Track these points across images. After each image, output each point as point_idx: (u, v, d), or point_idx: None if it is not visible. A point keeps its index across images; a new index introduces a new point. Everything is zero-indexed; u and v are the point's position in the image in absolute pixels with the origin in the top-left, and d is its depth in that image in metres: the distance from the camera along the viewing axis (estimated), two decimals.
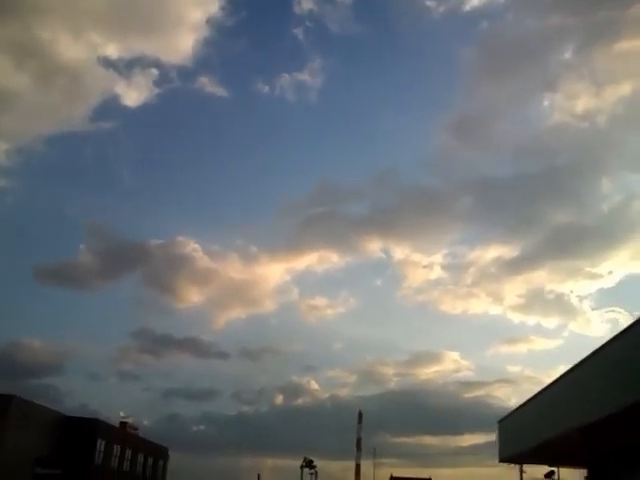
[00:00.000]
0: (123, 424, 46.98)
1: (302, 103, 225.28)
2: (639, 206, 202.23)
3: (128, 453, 44.06)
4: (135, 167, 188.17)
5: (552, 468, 22.38)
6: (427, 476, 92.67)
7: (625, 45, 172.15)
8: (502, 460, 22.04)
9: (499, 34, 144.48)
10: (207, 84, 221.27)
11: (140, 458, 46.98)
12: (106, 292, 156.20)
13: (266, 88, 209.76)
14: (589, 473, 21.52)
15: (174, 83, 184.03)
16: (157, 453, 51.63)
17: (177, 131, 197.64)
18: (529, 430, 19.93)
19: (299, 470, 39.43)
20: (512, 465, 23.85)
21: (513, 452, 21.68)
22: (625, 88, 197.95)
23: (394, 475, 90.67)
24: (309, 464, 30.76)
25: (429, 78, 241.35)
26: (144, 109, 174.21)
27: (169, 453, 54.86)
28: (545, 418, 18.55)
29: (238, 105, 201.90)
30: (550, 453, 20.50)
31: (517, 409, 20.58)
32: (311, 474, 32.38)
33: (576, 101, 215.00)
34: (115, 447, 41.61)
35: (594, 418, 13.71)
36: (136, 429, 49.41)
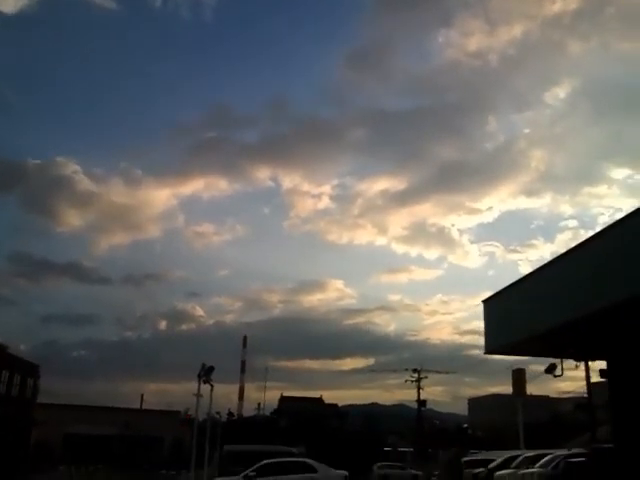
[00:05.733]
0: None
1: (197, 21, 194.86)
2: (521, 146, 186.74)
3: None
4: (10, 80, 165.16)
5: (554, 360, 17.36)
6: (318, 396, 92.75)
7: None
8: (489, 352, 16.98)
9: None
10: None
11: (4, 376, 43.40)
12: None
13: (159, 2, 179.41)
14: (608, 366, 16.61)
15: None
16: (25, 371, 47.93)
17: (59, 43, 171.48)
18: (528, 314, 14.79)
19: (182, 393, 34.30)
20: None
21: (506, 341, 16.48)
22: (517, 29, 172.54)
23: (284, 395, 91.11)
24: (208, 373, 24.07)
25: (329, 8, 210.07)
26: (21, 16, 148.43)
27: (40, 371, 51.62)
28: (553, 298, 13.50)
29: (128, 18, 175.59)
30: (554, 343, 15.52)
31: (510, 286, 15.14)
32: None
33: (469, 39, 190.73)
34: None
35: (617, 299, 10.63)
36: (6, 348, 45.80)
